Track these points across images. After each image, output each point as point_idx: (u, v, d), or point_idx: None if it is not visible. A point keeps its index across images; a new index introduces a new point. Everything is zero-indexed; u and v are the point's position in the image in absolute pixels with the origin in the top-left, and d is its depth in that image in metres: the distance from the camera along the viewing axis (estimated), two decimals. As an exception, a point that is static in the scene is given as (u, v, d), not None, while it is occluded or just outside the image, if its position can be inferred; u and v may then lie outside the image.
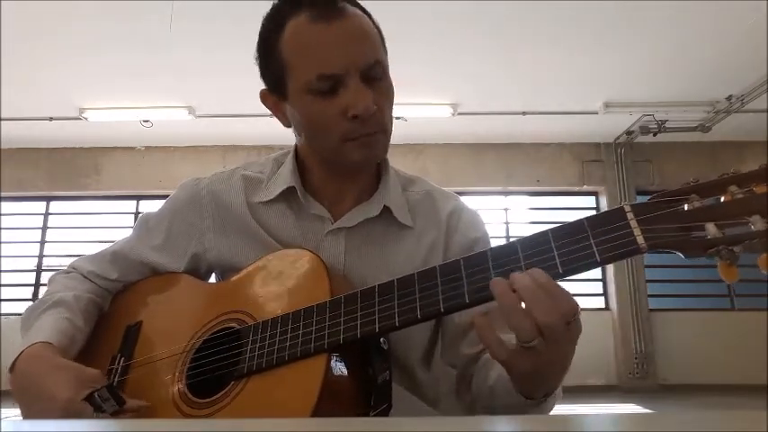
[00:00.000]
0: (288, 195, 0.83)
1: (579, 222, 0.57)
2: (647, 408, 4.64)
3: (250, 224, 0.83)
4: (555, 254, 0.56)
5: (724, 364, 5.41)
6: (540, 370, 0.57)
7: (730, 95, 5.06)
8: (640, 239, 0.53)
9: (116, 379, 0.76)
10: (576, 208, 6.45)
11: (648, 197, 0.57)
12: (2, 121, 5.31)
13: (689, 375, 5.57)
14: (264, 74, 0.80)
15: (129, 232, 0.92)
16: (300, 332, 0.64)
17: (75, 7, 3.69)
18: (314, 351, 0.62)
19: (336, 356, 0.63)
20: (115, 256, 0.88)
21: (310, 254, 0.72)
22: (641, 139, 5.86)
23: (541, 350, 0.54)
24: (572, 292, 0.54)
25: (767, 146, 5.91)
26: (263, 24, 0.78)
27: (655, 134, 5.61)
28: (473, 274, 0.59)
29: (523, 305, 0.53)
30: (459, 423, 0.43)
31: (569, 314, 0.53)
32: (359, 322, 0.62)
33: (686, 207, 0.54)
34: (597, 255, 0.54)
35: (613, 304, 5.95)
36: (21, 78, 4.59)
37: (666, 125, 5.56)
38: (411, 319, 0.60)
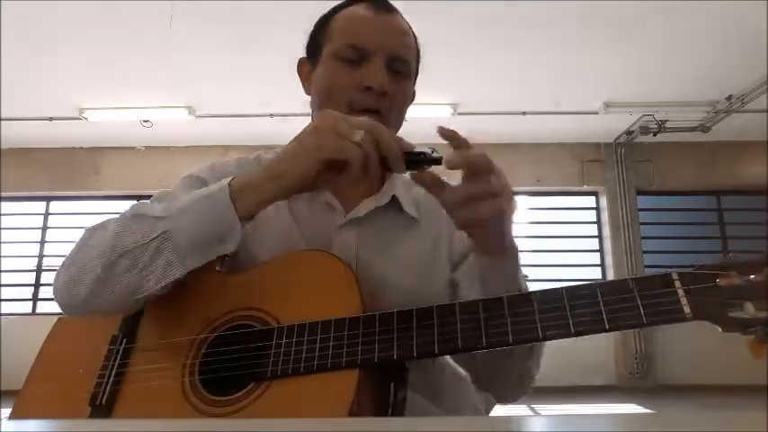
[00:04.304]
0: None
1: (625, 282, 0.59)
2: (647, 408, 4.64)
3: (280, 206, 0.82)
4: (602, 308, 0.58)
5: (724, 364, 5.40)
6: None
7: (730, 95, 5.06)
8: (687, 309, 0.56)
9: (117, 362, 0.74)
10: (577, 208, 6.46)
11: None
12: (2, 121, 5.31)
13: (689, 375, 5.58)
14: (309, 44, 0.88)
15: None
16: (331, 344, 0.63)
17: (75, 7, 3.70)
18: (345, 365, 0.62)
19: (365, 373, 0.62)
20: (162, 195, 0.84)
21: (341, 262, 0.70)
22: (641, 139, 5.87)
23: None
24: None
25: (767, 146, 5.92)
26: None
27: (655, 134, 5.62)
28: (517, 314, 0.61)
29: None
30: (463, 423, 0.43)
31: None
32: (395, 344, 0.62)
33: (727, 283, 0.57)
34: (644, 316, 0.57)
35: (613, 304, 5.94)
36: (21, 78, 4.60)
37: (666, 125, 5.56)
38: (451, 347, 0.61)
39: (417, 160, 0.65)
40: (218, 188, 0.66)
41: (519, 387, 0.81)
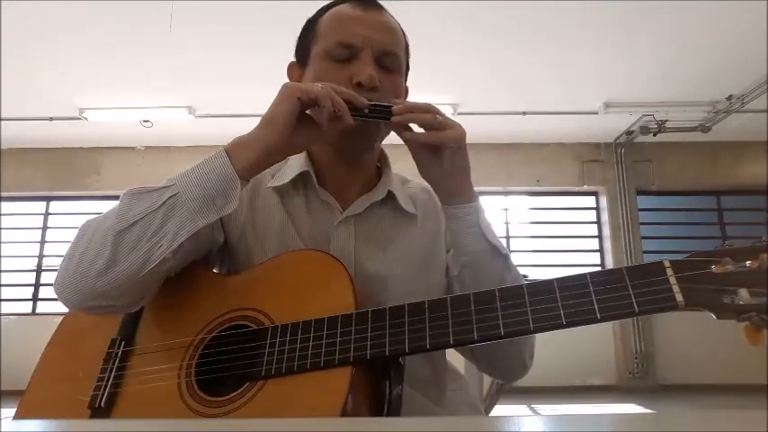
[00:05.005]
0: (297, 183, 0.85)
1: (618, 270, 0.58)
2: (647, 408, 4.64)
3: (276, 206, 0.84)
4: (593, 298, 0.57)
5: (724, 364, 5.41)
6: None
7: (730, 95, 5.06)
8: (679, 296, 0.55)
9: (116, 364, 0.74)
10: (576, 208, 6.46)
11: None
12: (2, 121, 5.31)
13: (689, 375, 5.57)
14: (298, 47, 0.88)
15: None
16: (324, 342, 0.63)
17: (75, 8, 3.69)
18: (338, 363, 0.62)
19: (359, 369, 0.62)
20: None
21: (335, 261, 0.70)
22: (641, 139, 5.86)
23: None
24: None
25: (767, 146, 5.92)
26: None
27: (655, 134, 5.62)
28: (508, 307, 0.60)
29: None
30: (463, 423, 0.43)
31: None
32: (387, 340, 0.62)
33: (721, 269, 0.56)
34: (636, 305, 0.56)
35: (613, 304, 5.94)
36: (21, 78, 4.60)
37: (666, 125, 5.56)
38: (443, 343, 0.61)
39: (379, 108, 0.74)
40: (215, 152, 0.70)
41: (518, 367, 0.82)
